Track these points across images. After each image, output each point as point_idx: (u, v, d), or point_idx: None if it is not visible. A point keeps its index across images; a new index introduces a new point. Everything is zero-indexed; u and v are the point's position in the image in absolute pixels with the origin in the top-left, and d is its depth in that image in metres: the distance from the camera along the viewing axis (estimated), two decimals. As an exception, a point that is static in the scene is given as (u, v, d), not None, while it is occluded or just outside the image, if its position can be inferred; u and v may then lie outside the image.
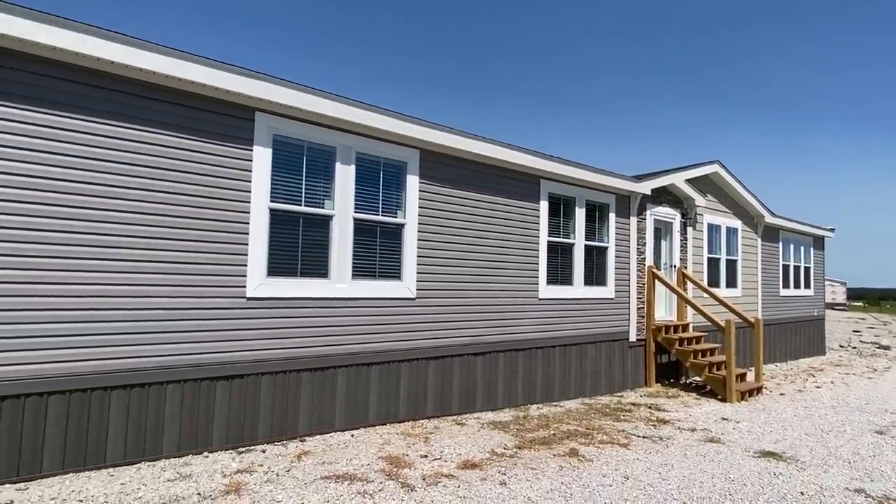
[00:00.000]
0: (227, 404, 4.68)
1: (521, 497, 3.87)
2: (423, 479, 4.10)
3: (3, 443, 3.71)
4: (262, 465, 4.29)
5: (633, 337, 8.72)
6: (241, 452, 4.60)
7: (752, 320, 8.83)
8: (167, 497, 3.57)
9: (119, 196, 4.19)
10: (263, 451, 4.66)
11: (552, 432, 5.72)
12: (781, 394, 8.64)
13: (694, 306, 8.70)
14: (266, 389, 4.90)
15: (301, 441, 5.00)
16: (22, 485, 3.69)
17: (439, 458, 4.66)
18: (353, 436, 5.27)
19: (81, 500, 3.47)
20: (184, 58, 4.35)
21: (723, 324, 8.22)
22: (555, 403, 7.32)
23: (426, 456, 4.72)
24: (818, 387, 9.39)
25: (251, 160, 4.88)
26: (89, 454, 4.02)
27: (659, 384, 9.08)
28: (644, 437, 5.68)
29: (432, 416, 6.10)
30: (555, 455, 4.91)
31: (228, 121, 4.76)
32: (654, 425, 6.25)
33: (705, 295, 9.76)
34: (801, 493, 4.18)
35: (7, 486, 3.66)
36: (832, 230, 15.53)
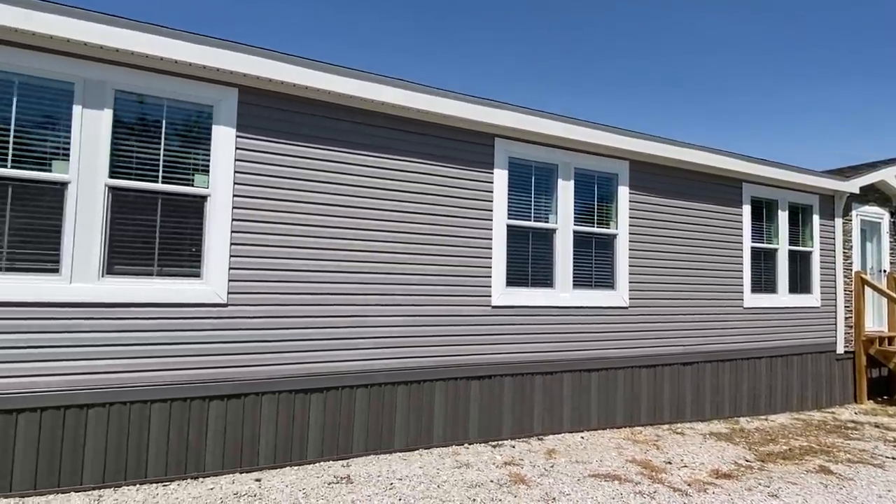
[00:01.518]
0: (479, 402, 5.19)
1: (803, 511, 3.85)
2: (689, 485, 4.23)
3: (327, 428, 4.49)
4: (522, 459, 4.71)
5: (840, 349, 8.05)
6: (494, 446, 5.07)
7: None
8: (468, 482, 4.09)
9: (391, 219, 4.85)
10: (513, 447, 5.09)
11: (785, 447, 5.53)
12: None
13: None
14: (508, 390, 5.35)
15: (539, 440, 5.38)
16: (343, 462, 4.44)
17: (686, 466, 4.75)
18: (582, 438, 5.54)
19: (400, 479, 4.10)
20: (435, 93, 4.92)
21: (961, 336, 7.29)
22: (762, 417, 7.02)
23: (670, 463, 4.84)
24: None
25: (492, 182, 5.36)
26: (383, 440, 4.72)
27: (871, 401, 8.26)
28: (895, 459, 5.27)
29: (646, 424, 6.19)
30: (806, 471, 4.76)
31: (473, 147, 5.29)
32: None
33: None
34: None
35: (332, 462, 4.43)
36: None
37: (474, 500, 3.78)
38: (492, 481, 4.14)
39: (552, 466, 4.56)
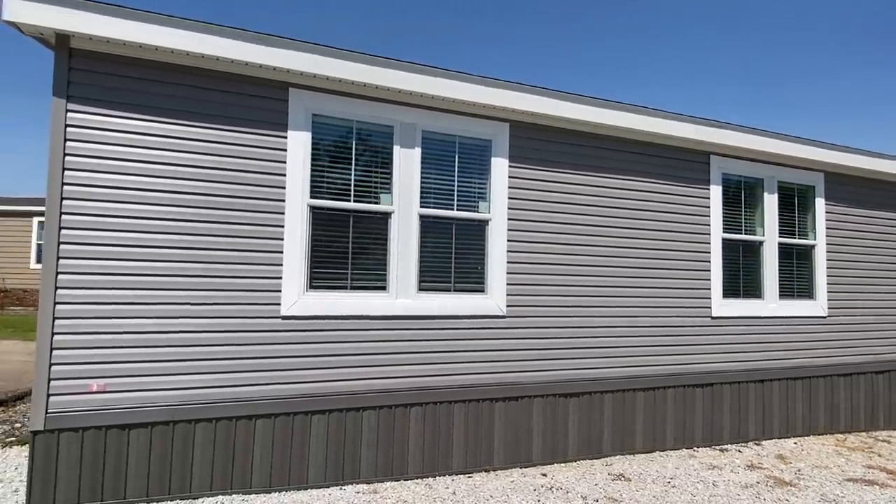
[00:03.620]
0: (703, 408, 5.48)
1: None
2: (954, 493, 4.37)
3: (582, 429, 4.91)
4: (761, 463, 4.97)
5: None
6: (721, 451, 5.35)
7: None
8: (736, 482, 4.41)
9: (626, 235, 5.21)
10: (739, 451, 5.36)
11: None
12: None
13: None
14: (727, 397, 5.61)
15: (757, 444, 5.61)
16: (602, 462, 4.84)
17: (929, 474, 4.87)
18: (795, 444, 5.73)
19: (671, 478, 4.46)
20: (663, 115, 5.23)
21: None
22: (953, 427, 6.93)
23: (907, 470, 4.96)
24: None
25: (709, 197, 5.65)
26: (626, 441, 5.10)
27: None
28: None
29: (845, 431, 6.28)
30: None
31: (692, 165, 5.58)
32: None
33: None
34: None
35: (591, 461, 4.84)
36: None
37: (761, 496, 4.10)
38: (757, 482, 4.43)
39: (798, 470, 4.80)
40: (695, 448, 5.38)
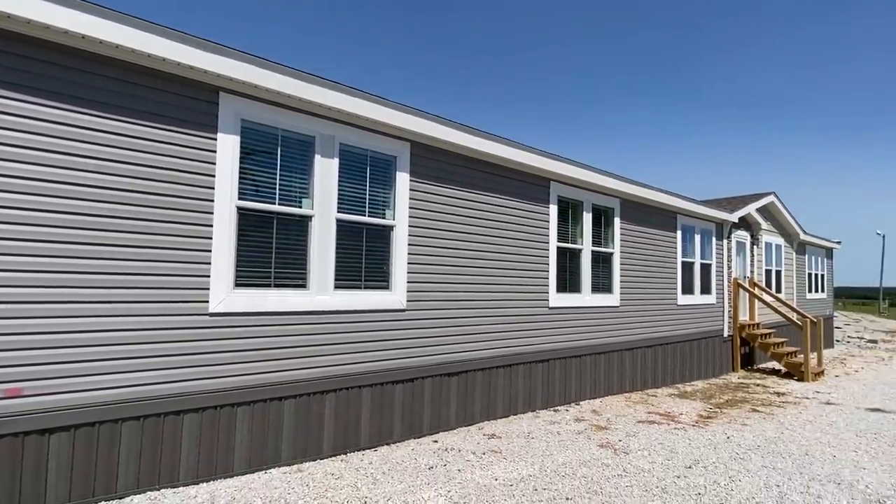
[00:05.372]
0: (541, 379, 6.96)
1: (769, 429, 6.29)
2: (696, 423, 6.48)
3: (460, 401, 5.90)
4: (583, 417, 6.60)
5: (726, 333, 11.31)
6: (555, 411, 6.88)
7: (815, 319, 11.56)
8: (572, 431, 5.85)
9: (493, 243, 6.41)
10: (567, 410, 6.96)
11: (721, 400, 8.19)
12: (836, 376, 11.33)
13: (778, 311, 11.37)
14: (558, 370, 7.20)
15: (577, 404, 7.32)
16: (475, 427, 5.89)
17: (682, 413, 7.05)
18: (601, 402, 7.61)
19: (529, 433, 5.71)
20: (522, 148, 6.59)
21: (799, 322, 10.90)
22: (689, 383, 9.81)
23: (670, 413, 7.10)
24: (856, 371, 12.15)
25: (548, 214, 7.17)
26: (490, 409, 6.25)
27: (743, 370, 11.69)
28: (786, 403, 8.18)
29: (630, 391, 8.49)
30: (747, 412, 7.36)
31: (535, 189, 7.04)
32: (778, 395, 8.79)
33: (765, 297, 12.45)
34: (919, 426, 6.75)
35: (467, 427, 5.86)
36: (839, 243, 18.65)
37: (590, 437, 5.58)
38: (585, 429, 5.95)
39: (608, 419, 6.52)
40: (537, 410, 6.82)
